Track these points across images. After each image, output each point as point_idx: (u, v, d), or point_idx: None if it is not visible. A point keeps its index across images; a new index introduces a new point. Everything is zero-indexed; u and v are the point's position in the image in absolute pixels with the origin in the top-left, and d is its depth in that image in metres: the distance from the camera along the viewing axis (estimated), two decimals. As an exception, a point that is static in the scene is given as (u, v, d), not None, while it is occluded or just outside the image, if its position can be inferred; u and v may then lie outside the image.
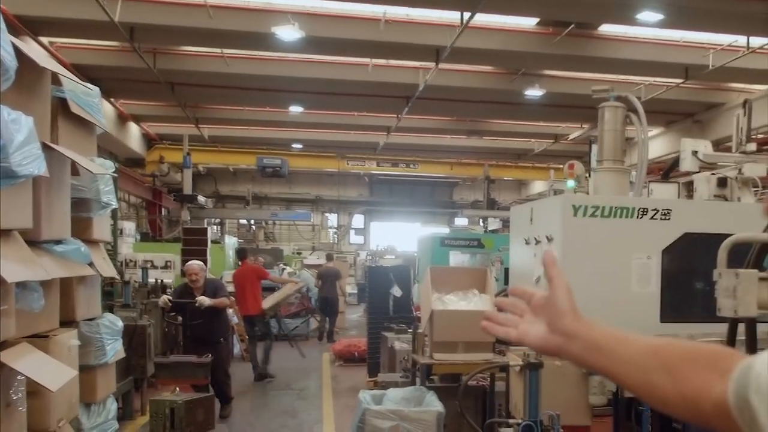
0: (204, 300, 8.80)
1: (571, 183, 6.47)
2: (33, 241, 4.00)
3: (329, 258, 20.69)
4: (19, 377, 3.58)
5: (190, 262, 9.70)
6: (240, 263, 13.30)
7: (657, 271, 5.69)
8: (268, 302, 12.63)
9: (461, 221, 25.44)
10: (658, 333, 5.41)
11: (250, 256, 14.01)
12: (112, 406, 5.65)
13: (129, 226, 17.42)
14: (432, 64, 13.74)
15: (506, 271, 7.66)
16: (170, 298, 9.33)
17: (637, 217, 5.74)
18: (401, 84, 15.78)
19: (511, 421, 4.49)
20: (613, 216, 5.72)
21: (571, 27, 12.33)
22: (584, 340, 1.33)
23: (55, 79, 4.59)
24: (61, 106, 4.64)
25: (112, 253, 12.70)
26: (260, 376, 12.05)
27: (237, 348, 14.64)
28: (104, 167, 5.28)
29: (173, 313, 9.90)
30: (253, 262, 13.76)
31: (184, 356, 8.96)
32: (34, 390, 3.79)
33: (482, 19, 11.96)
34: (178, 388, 7.68)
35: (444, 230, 21.52)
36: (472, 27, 11.71)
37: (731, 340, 4.30)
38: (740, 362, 1.13)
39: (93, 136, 5.39)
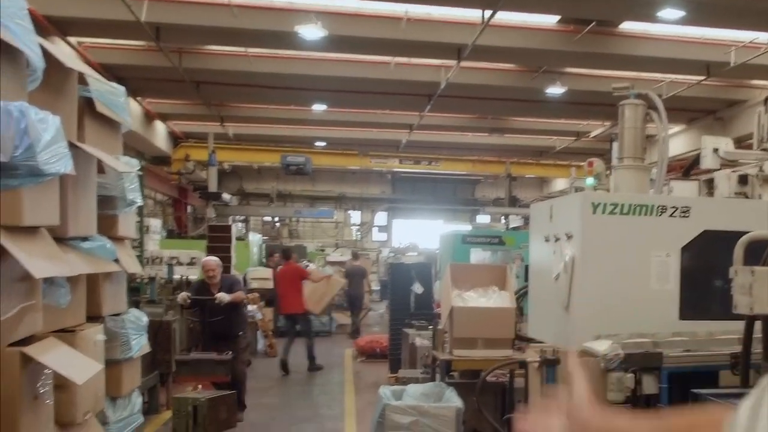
0: (224, 297, 8.78)
1: (590, 180, 6.50)
2: (60, 237, 4.08)
3: (355, 256, 20.95)
4: (46, 371, 3.64)
5: (206, 258, 9.76)
6: (284, 263, 13.86)
7: (676, 268, 5.69)
8: (321, 305, 13.51)
9: (483, 218, 25.43)
10: (677, 330, 5.43)
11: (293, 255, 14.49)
12: (138, 400, 5.75)
13: (155, 223, 17.64)
14: (453, 62, 13.76)
15: (526, 268, 7.68)
16: (189, 294, 9.25)
17: (656, 214, 5.74)
18: (423, 82, 15.82)
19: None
20: (632, 213, 5.73)
21: (592, 24, 12.29)
22: (598, 428, 1.45)
23: (82, 79, 4.68)
24: (87, 106, 4.73)
25: (139, 249, 12.96)
26: (314, 368, 12.81)
27: (261, 344, 14.80)
28: (129, 165, 5.37)
29: (194, 309, 9.83)
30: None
31: (205, 353, 8.88)
32: (61, 383, 3.85)
33: (503, 17, 11.96)
34: (200, 386, 7.72)
35: (466, 227, 21.55)
36: (494, 25, 11.72)
37: (748, 338, 4.33)
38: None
39: (119, 135, 5.48)
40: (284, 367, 12.46)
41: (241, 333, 9.26)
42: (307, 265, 18.15)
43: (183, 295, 9.28)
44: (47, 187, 3.60)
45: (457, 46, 13.03)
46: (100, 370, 4.51)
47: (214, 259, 9.48)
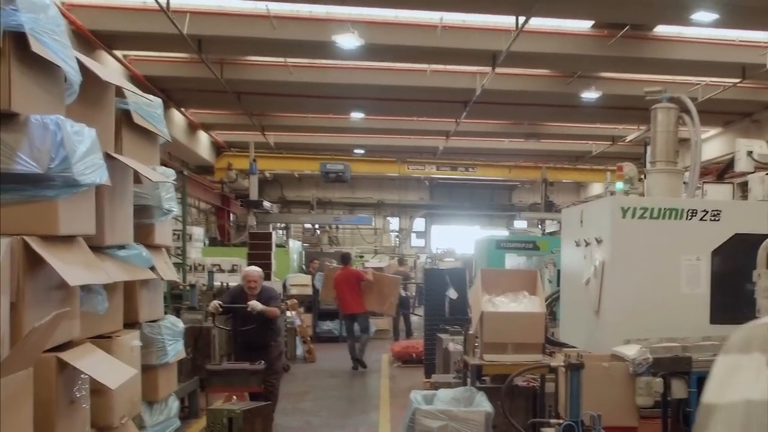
0: (256, 305, 8.37)
1: (619, 185, 6.50)
2: (97, 246, 4.20)
3: (400, 262, 21.45)
4: (82, 376, 3.74)
5: (249, 268, 9.26)
6: (342, 267, 14.58)
7: (707, 272, 5.69)
8: (386, 305, 14.08)
9: (520, 224, 25.38)
10: (707, 334, 5.42)
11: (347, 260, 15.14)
12: (174, 405, 5.81)
13: (198, 231, 17.93)
14: (489, 69, 13.82)
15: (559, 273, 7.71)
16: (221, 303, 8.65)
17: (687, 218, 5.75)
18: (459, 89, 15.91)
19: (552, 421, 4.57)
20: (662, 217, 5.75)
21: (626, 29, 12.26)
22: None
23: (119, 92, 4.82)
24: (125, 118, 4.87)
25: (182, 257, 13.22)
26: (359, 364, 13.53)
27: (300, 349, 14.97)
28: (165, 176, 5.48)
29: (227, 316, 9.30)
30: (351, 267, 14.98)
31: (237, 363, 8.40)
32: (98, 388, 3.92)
33: (537, 23, 12.00)
34: (235, 397, 7.47)
35: (503, 233, 21.56)
36: (528, 31, 11.77)
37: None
38: None
39: (156, 146, 5.61)
40: (362, 364, 13.55)
41: (273, 343, 8.86)
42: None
43: (214, 304, 8.74)
44: (83, 198, 3.70)
45: (491, 52, 13.11)
46: (137, 375, 4.60)
47: (257, 270, 8.98)
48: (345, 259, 15.14)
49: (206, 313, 9.39)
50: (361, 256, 26.22)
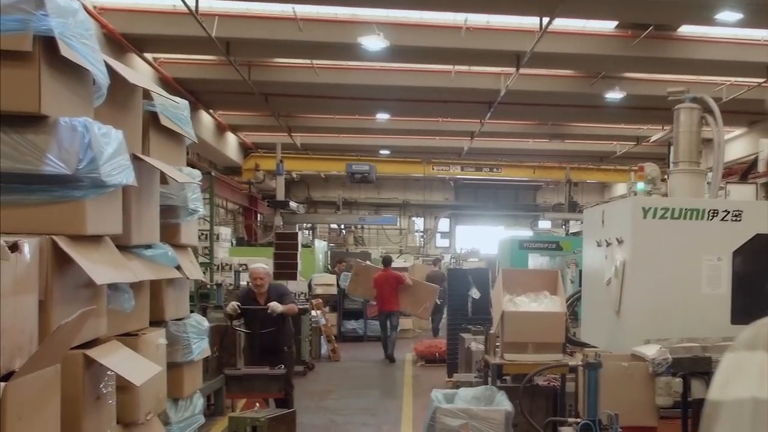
0: (276, 306, 8.05)
1: (640, 185, 6.50)
2: (124, 246, 4.28)
3: (435, 262, 21.77)
4: (108, 372, 3.79)
5: (255, 265, 8.83)
6: (383, 269, 15.68)
7: (728, 272, 5.68)
8: (418, 309, 15.12)
9: (544, 224, 25.36)
10: (728, 335, 5.41)
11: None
12: (199, 402, 5.87)
13: (225, 231, 18.10)
14: (513, 70, 13.84)
15: (581, 273, 7.72)
16: (239, 304, 8.31)
17: (708, 218, 5.75)
18: (483, 90, 15.96)
19: (570, 419, 4.60)
20: (683, 218, 5.75)
21: (650, 29, 12.24)
22: None
23: (147, 94, 4.92)
24: (152, 120, 4.95)
25: (209, 256, 13.37)
26: (390, 359, 14.73)
27: (324, 348, 15.11)
28: (191, 176, 5.55)
29: (240, 320, 8.79)
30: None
31: (256, 368, 7.96)
32: (124, 385, 3.96)
33: (561, 23, 12.02)
34: (258, 404, 7.19)
35: (527, 233, 21.57)
36: (552, 32, 11.78)
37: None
38: None
39: (182, 147, 5.69)
40: (391, 359, 14.68)
41: (286, 348, 8.50)
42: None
43: (233, 305, 8.34)
44: (110, 198, 3.78)
45: (516, 53, 13.13)
46: (162, 373, 4.67)
47: (263, 267, 8.63)
48: (386, 261, 16.19)
49: (225, 315, 8.98)
50: (387, 257, 26.31)
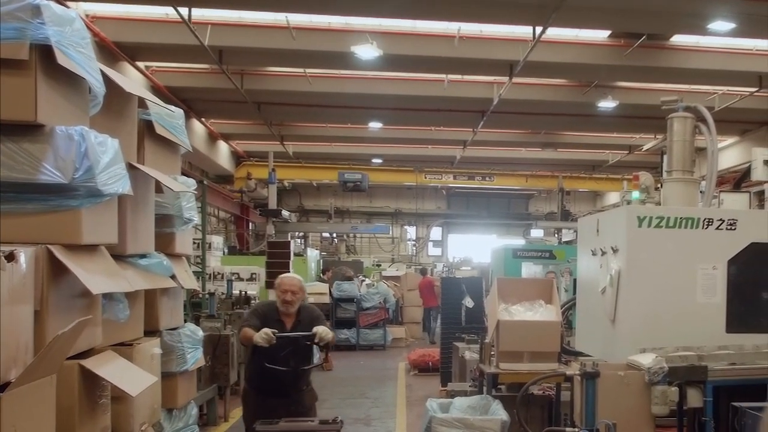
0: (326, 334, 5.82)
1: (635, 194, 6.50)
2: (119, 255, 4.27)
3: (423, 272, 22.09)
4: (103, 383, 3.81)
5: (287, 275, 6.21)
6: (423, 277, 20.44)
7: (723, 281, 5.69)
8: None
9: (537, 233, 25.43)
10: (723, 343, 5.42)
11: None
12: (193, 411, 5.85)
13: (217, 240, 18.06)
14: (506, 79, 13.87)
15: (575, 281, 7.72)
16: (275, 331, 5.61)
17: (703, 227, 5.75)
18: (476, 99, 16.00)
19: (567, 429, 4.59)
20: (678, 227, 5.75)
21: (642, 38, 12.29)
22: None
23: (142, 102, 4.90)
24: (147, 128, 4.94)
25: (201, 265, 13.32)
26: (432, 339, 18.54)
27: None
28: (186, 185, 5.54)
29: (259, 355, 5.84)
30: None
31: (300, 420, 5.63)
32: (118, 395, 3.98)
33: (554, 32, 12.06)
34: None
35: (519, 242, 21.77)
36: (545, 41, 11.83)
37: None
38: None
39: (177, 156, 5.68)
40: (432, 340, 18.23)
41: (306, 386, 6.23)
42: (363, 281, 18.77)
43: (267, 333, 5.57)
44: (106, 207, 3.78)
45: (509, 62, 13.17)
46: (157, 383, 4.66)
47: (298, 279, 6.11)
48: (424, 271, 21.57)
49: (252, 346, 5.84)
50: (378, 265, 26.32)
